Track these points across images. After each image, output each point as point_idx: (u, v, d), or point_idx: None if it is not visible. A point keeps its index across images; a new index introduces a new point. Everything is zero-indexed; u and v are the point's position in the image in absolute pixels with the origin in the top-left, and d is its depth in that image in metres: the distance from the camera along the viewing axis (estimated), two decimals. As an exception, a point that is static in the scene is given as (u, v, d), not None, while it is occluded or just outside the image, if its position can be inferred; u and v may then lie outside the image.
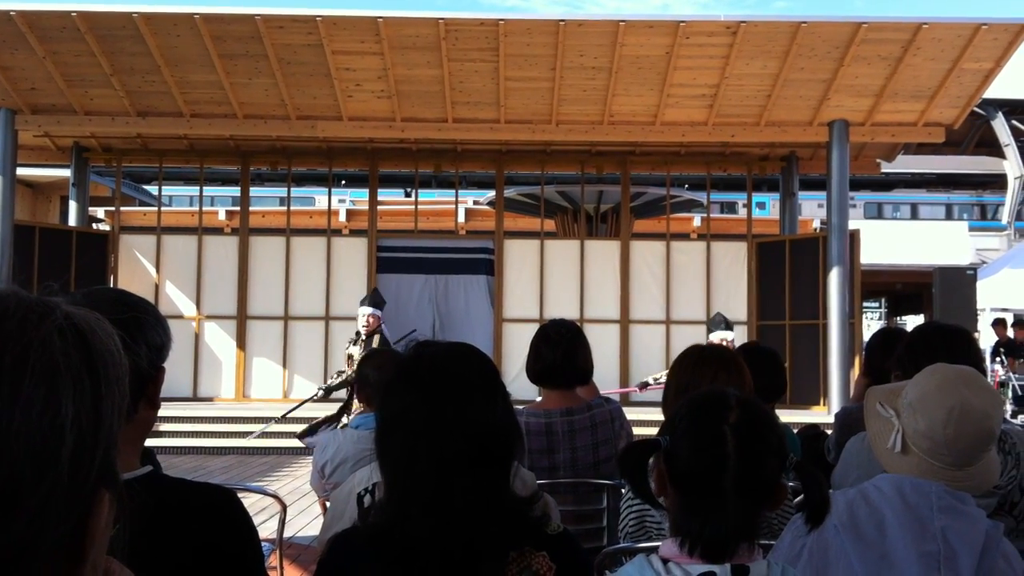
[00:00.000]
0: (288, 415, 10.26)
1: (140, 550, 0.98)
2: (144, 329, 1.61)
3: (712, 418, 1.63)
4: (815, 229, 19.22)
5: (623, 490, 3.34)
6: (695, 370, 2.91)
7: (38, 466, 0.70)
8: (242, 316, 14.17)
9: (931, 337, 3.03)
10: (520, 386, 3.27)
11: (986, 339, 17.17)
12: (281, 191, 16.14)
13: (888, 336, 3.93)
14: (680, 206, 17.30)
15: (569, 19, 11.16)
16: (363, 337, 8.94)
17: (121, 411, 0.80)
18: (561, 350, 3.56)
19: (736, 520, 1.57)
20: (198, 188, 15.21)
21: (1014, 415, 12.87)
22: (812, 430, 4.56)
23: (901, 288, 27.52)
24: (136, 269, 14.26)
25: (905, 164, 32.57)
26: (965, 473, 1.98)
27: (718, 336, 9.31)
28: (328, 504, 3.32)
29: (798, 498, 1.69)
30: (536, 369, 3.62)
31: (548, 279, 14.28)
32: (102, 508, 0.76)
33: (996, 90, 16.78)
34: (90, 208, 15.42)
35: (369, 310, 8.99)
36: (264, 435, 11.37)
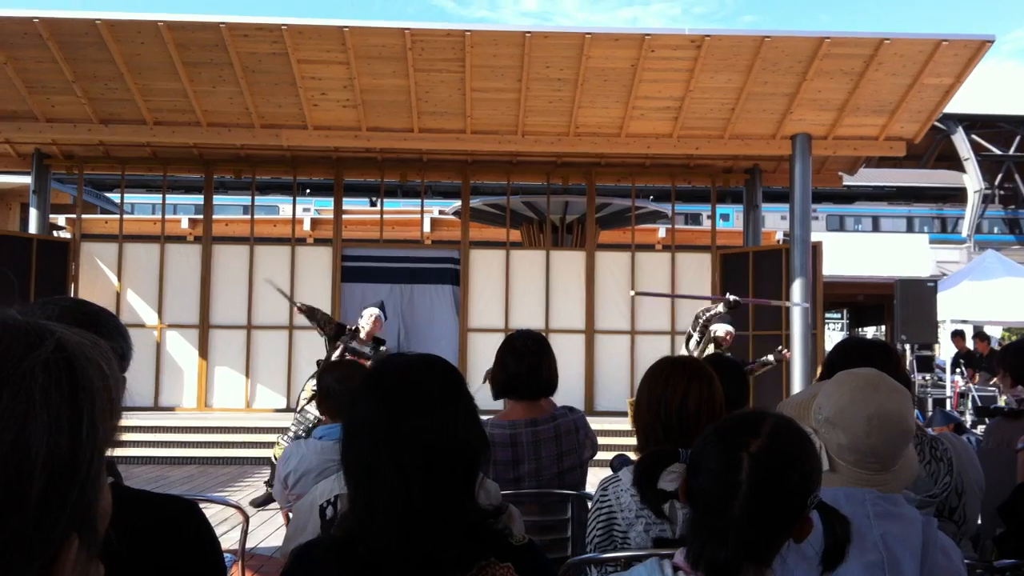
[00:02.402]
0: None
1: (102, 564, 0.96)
2: (104, 339, 1.59)
3: (734, 442, 1.59)
4: (778, 241, 19.39)
5: (588, 501, 3.34)
6: (667, 383, 2.90)
7: (1, 509, 0.66)
8: (204, 325, 14.05)
9: (849, 353, 3.07)
10: (484, 396, 3.26)
11: (946, 351, 17.37)
12: (245, 199, 16.04)
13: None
14: (645, 217, 17.40)
15: (535, 31, 11.18)
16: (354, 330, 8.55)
17: (106, 446, 0.76)
18: (527, 361, 3.55)
19: (738, 545, 1.54)
20: (161, 196, 15.07)
21: (973, 425, 13.00)
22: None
23: (863, 299, 27.81)
24: (97, 277, 14.11)
25: (867, 177, 33.05)
26: (891, 475, 2.00)
27: (723, 330, 8.83)
28: (291, 515, 3.30)
29: None
30: (501, 380, 3.62)
31: (513, 289, 14.28)
32: (68, 554, 0.72)
33: (956, 105, 17.07)
34: (51, 215, 15.23)
35: (378, 311, 8.61)
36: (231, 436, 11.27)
